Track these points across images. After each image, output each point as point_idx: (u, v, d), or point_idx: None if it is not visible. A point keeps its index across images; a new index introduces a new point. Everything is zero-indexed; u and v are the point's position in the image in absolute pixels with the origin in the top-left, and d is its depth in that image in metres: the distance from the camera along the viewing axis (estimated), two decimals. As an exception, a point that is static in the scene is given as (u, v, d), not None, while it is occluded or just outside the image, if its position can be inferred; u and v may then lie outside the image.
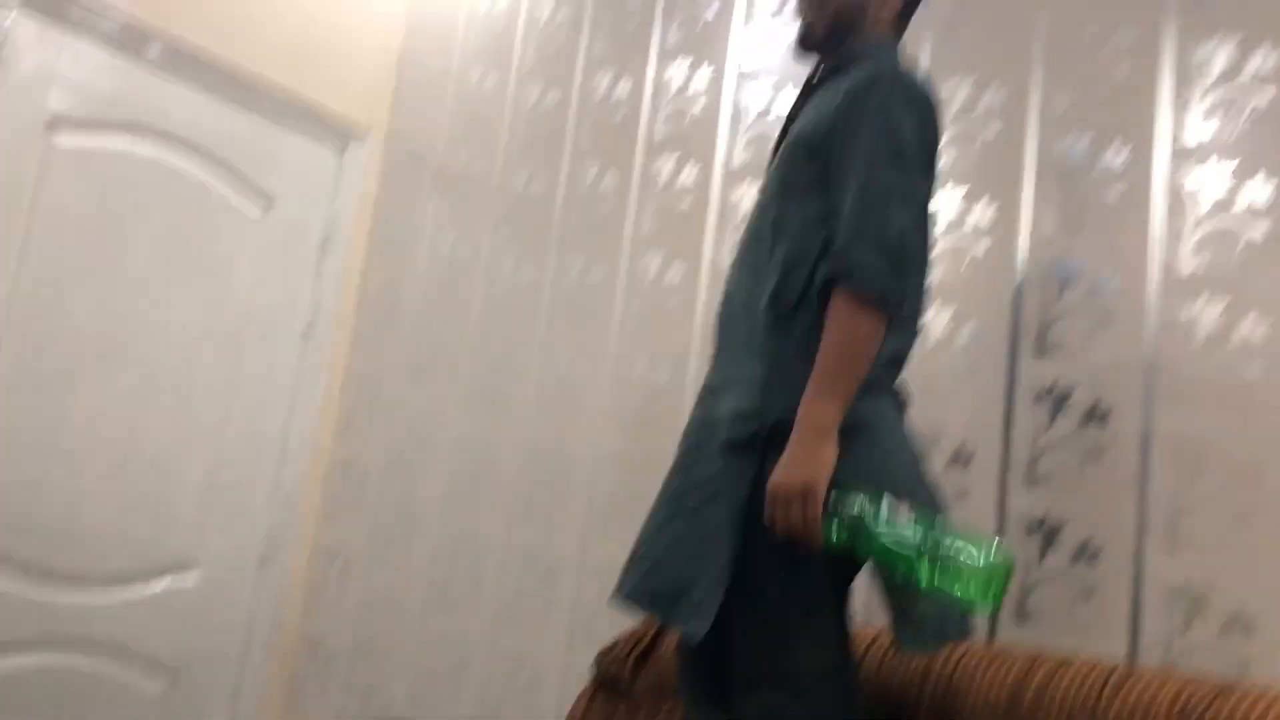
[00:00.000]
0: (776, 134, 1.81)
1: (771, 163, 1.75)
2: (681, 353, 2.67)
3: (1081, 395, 2.07)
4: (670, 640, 2.22)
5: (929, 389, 2.25)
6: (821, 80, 1.73)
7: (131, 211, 2.92)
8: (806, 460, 1.42)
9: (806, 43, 1.76)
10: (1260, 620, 1.82)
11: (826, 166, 1.55)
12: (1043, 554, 2.05)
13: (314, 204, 3.34)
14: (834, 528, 1.40)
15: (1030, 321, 2.16)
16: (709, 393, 1.69)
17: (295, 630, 3.25)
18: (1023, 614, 2.06)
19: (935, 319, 2.27)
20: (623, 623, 2.52)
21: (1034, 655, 1.87)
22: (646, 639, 2.27)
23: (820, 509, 1.41)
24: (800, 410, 1.45)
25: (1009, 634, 2.06)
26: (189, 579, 3.03)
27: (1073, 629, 2.00)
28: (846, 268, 1.45)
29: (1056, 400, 2.10)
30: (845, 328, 1.45)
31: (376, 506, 3.20)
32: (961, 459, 2.18)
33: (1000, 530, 2.10)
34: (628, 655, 2.27)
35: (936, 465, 2.18)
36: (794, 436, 1.44)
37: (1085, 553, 2.01)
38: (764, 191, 1.73)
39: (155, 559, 2.96)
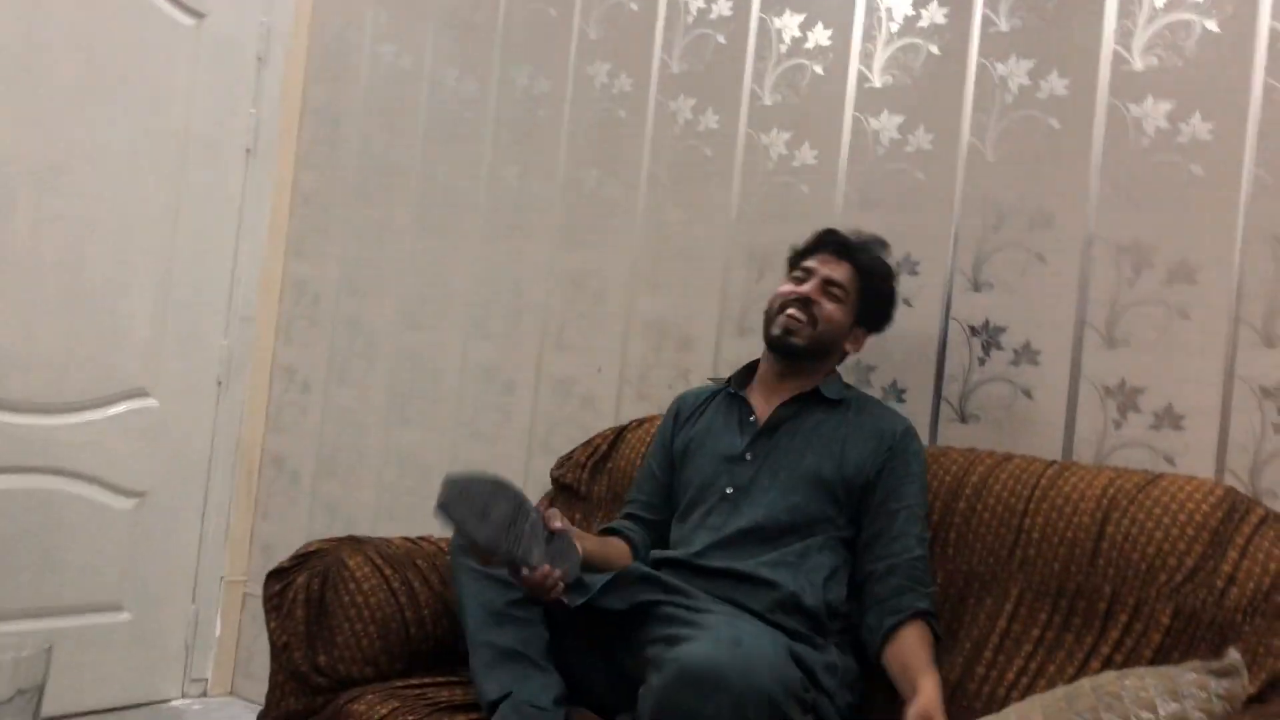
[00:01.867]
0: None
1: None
2: (633, 168, 2.63)
3: (1027, 201, 2.09)
4: (624, 450, 2.29)
5: (884, 197, 2.25)
6: (795, 405, 1.93)
7: (55, 26, 2.77)
8: None
9: (785, 347, 1.92)
10: (1188, 415, 1.90)
11: (864, 498, 1.86)
12: (985, 355, 2.11)
13: (248, 14, 3.20)
14: None
15: (981, 124, 2.15)
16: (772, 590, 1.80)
17: (258, 449, 3.30)
18: (964, 414, 2.13)
19: (887, 123, 2.26)
20: (579, 434, 2.58)
21: (973, 453, 1.94)
22: (602, 448, 2.33)
23: None
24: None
25: (951, 433, 2.14)
26: (147, 403, 3.04)
27: (1011, 428, 2.07)
28: (932, 610, 1.77)
29: (998, 208, 2.11)
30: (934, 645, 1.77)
31: (332, 326, 3.20)
32: (908, 266, 2.21)
33: (944, 332, 2.15)
34: (585, 463, 2.34)
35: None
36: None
37: (1025, 355, 2.07)
38: (766, 480, 1.89)
39: (111, 385, 2.96)
